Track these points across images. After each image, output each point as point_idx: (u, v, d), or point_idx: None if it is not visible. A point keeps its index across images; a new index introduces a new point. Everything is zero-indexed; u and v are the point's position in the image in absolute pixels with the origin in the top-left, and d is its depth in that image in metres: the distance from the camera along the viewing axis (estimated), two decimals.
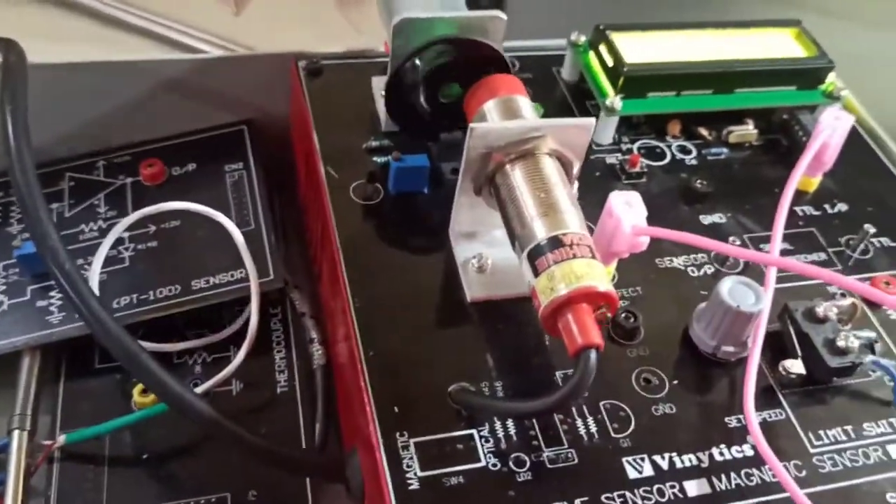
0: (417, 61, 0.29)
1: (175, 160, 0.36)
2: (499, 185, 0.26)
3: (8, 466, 0.29)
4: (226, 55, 0.37)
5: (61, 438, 0.29)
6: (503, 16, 0.30)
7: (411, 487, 0.23)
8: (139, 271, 0.32)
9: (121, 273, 0.32)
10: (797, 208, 0.33)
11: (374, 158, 0.32)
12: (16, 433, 0.29)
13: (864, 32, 0.43)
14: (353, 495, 0.27)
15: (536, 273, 0.24)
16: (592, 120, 0.26)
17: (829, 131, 0.31)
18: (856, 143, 0.36)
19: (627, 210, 0.26)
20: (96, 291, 0.31)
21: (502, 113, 0.28)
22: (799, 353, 0.27)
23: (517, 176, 0.26)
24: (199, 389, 0.30)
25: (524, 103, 0.28)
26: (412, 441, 0.24)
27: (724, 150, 0.35)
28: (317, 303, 0.33)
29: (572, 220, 0.25)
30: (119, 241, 0.33)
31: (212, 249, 0.33)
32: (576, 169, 0.27)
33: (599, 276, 0.24)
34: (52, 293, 0.32)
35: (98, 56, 0.35)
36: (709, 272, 0.30)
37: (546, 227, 0.25)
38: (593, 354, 0.23)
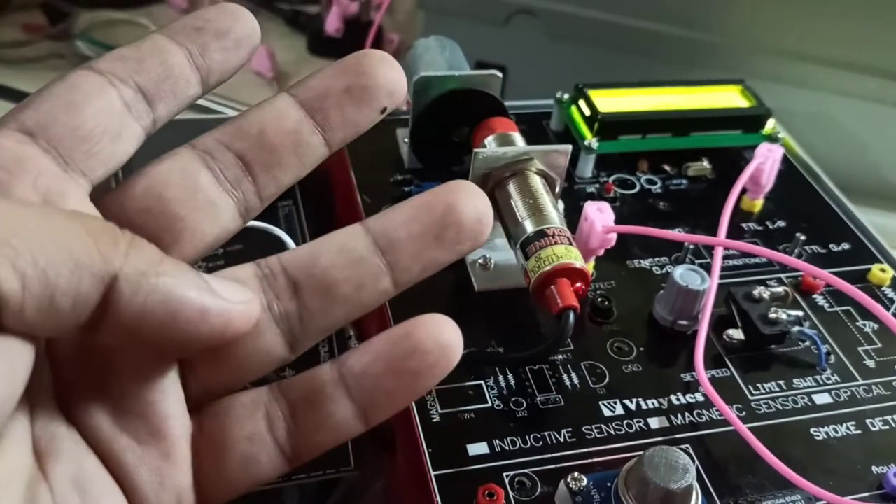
0: (435, 109, 0.38)
1: None
2: (497, 198, 0.34)
3: None
4: None
5: None
6: (499, 74, 0.38)
7: (434, 420, 0.29)
8: None
9: None
10: (744, 225, 0.40)
11: (401, 188, 0.39)
12: None
13: (792, 91, 0.52)
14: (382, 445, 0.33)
15: (527, 257, 0.32)
16: (569, 146, 0.34)
17: (762, 159, 0.38)
18: (793, 174, 0.44)
19: (599, 214, 0.34)
20: None
21: (500, 144, 0.36)
22: (739, 324, 0.34)
23: (511, 189, 0.34)
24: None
25: (517, 137, 0.36)
26: (434, 389, 0.31)
27: (684, 181, 0.42)
28: None
29: (554, 219, 0.32)
30: (195, 266, 0.41)
31: None
32: (558, 187, 0.35)
33: (576, 257, 0.31)
34: None
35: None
36: (669, 270, 0.37)
37: (533, 224, 0.32)
38: (571, 315, 0.30)
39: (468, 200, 0.21)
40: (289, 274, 0.21)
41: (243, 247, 0.42)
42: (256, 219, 0.41)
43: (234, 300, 0.19)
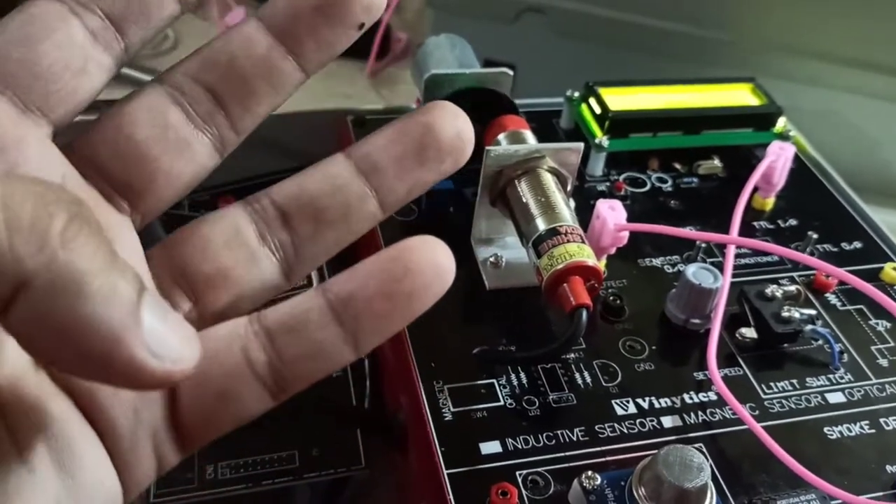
0: None
1: (245, 196, 0.44)
2: (508, 196, 0.34)
3: None
4: (290, 112, 0.45)
5: None
6: (510, 72, 0.38)
7: (446, 419, 0.29)
8: None
9: None
10: (755, 223, 0.40)
11: None
12: None
13: (803, 89, 0.51)
14: (393, 443, 0.33)
15: (539, 255, 0.31)
16: (581, 144, 0.34)
17: (774, 157, 0.38)
18: (804, 173, 0.43)
19: (611, 212, 0.33)
20: None
21: (511, 142, 0.36)
22: (752, 323, 0.33)
23: (523, 187, 0.33)
24: None
25: (528, 135, 0.36)
26: (446, 387, 0.30)
27: (695, 180, 0.42)
28: None
29: (566, 217, 0.32)
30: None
31: None
32: (570, 185, 0.35)
33: (588, 255, 0.31)
34: None
35: None
36: (681, 269, 0.37)
37: (546, 222, 0.32)
38: (584, 312, 0.30)
39: (445, 119, 0.21)
40: (277, 205, 0.21)
41: None
42: None
43: (169, 354, 0.15)
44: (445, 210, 0.38)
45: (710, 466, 0.29)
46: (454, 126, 0.21)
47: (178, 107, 0.21)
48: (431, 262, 0.19)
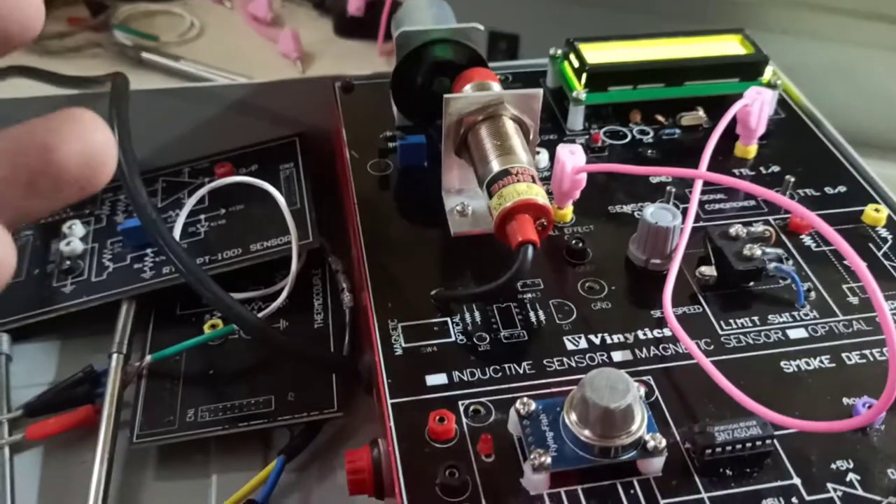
0: (414, 62, 0.38)
1: (242, 164, 0.46)
2: (469, 143, 0.35)
3: (107, 382, 0.37)
4: (280, 79, 0.47)
5: (148, 358, 0.38)
6: (481, 27, 0.39)
7: (397, 354, 0.30)
8: (211, 240, 0.42)
9: (197, 242, 0.42)
10: (736, 170, 0.39)
11: (387, 143, 0.40)
12: (114, 356, 0.38)
13: (806, 43, 0.50)
14: (364, 389, 0.35)
15: (491, 196, 0.32)
16: (540, 90, 0.34)
17: (748, 101, 0.38)
18: (795, 122, 0.43)
19: (570, 156, 0.34)
20: None
21: (475, 91, 0.36)
22: (713, 261, 0.33)
23: (483, 132, 0.34)
24: None
25: (494, 86, 0.37)
26: (400, 325, 0.31)
27: (677, 131, 0.42)
28: (350, 265, 0.41)
29: (521, 160, 0.33)
30: (197, 221, 0.43)
31: (268, 222, 0.41)
32: (532, 133, 0.35)
33: (537, 193, 0.31)
34: (146, 258, 0.41)
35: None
36: None
37: (499, 164, 0.32)
38: (530, 248, 0.30)
39: (73, 140, 0.16)
40: None
41: (244, 206, 0.43)
42: (257, 175, 0.43)
43: None
44: (419, 164, 0.39)
45: (656, 397, 0.29)
46: (83, 149, 0.16)
47: None
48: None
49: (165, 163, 0.47)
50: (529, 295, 0.33)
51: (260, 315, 0.38)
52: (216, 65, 0.67)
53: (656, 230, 0.32)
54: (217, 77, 0.66)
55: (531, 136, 0.35)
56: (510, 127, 0.34)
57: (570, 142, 0.41)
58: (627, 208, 0.37)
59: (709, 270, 0.33)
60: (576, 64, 0.42)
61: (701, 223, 0.36)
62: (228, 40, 0.73)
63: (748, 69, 0.42)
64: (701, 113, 0.42)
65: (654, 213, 0.33)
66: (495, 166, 0.32)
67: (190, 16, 0.75)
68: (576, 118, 0.42)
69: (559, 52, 0.44)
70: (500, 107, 0.34)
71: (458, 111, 0.35)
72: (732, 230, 0.33)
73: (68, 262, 0.42)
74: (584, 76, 0.41)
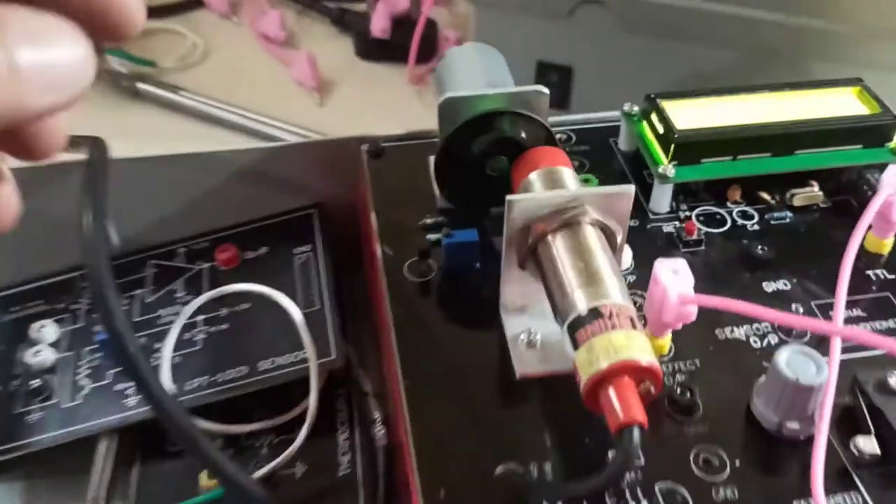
0: (463, 137, 0.30)
1: (248, 245, 0.38)
2: (541, 257, 0.27)
3: None
4: (295, 142, 0.39)
5: None
6: (545, 90, 0.30)
7: None
8: (210, 354, 0.34)
9: (194, 355, 0.34)
10: (870, 272, 0.31)
11: (428, 236, 0.32)
12: None
13: None
14: None
15: (576, 346, 0.24)
16: (632, 187, 0.26)
17: (891, 189, 0.29)
18: None
19: (673, 278, 0.25)
20: (168, 373, 0.33)
21: (545, 184, 0.28)
22: (872, 429, 0.25)
23: (558, 246, 0.26)
24: (260, 472, 0.30)
25: (567, 174, 0.29)
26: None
27: (789, 213, 0.34)
28: (381, 380, 0.34)
29: (613, 291, 0.25)
30: (193, 325, 0.35)
31: (279, 331, 0.34)
32: (619, 238, 0.27)
33: (640, 349, 0.23)
34: None
35: (178, 149, 0.38)
36: (773, 342, 0.28)
37: (586, 298, 0.24)
38: (636, 432, 0.22)
39: None
40: None
41: (250, 305, 0.36)
42: (267, 260, 0.35)
43: None
44: (470, 267, 0.31)
45: None
46: None
47: None
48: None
49: (158, 240, 0.39)
50: (628, 476, 0.24)
51: (273, 464, 0.30)
52: (220, 95, 0.59)
53: (795, 387, 0.24)
54: (221, 111, 0.58)
55: (618, 244, 0.27)
56: (593, 239, 0.26)
57: (657, 229, 0.33)
58: (740, 332, 0.29)
59: (868, 445, 0.25)
60: (660, 129, 0.34)
61: (842, 354, 0.27)
62: (235, 64, 0.65)
63: (873, 133, 0.34)
64: (816, 189, 0.34)
65: (791, 362, 0.25)
66: (580, 303, 0.24)
67: (192, 34, 0.67)
68: (662, 199, 0.33)
69: (635, 108, 0.36)
70: (579, 210, 0.26)
71: (524, 216, 0.26)
72: (893, 380, 0.25)
73: (37, 381, 0.34)
74: (671, 147, 0.33)
